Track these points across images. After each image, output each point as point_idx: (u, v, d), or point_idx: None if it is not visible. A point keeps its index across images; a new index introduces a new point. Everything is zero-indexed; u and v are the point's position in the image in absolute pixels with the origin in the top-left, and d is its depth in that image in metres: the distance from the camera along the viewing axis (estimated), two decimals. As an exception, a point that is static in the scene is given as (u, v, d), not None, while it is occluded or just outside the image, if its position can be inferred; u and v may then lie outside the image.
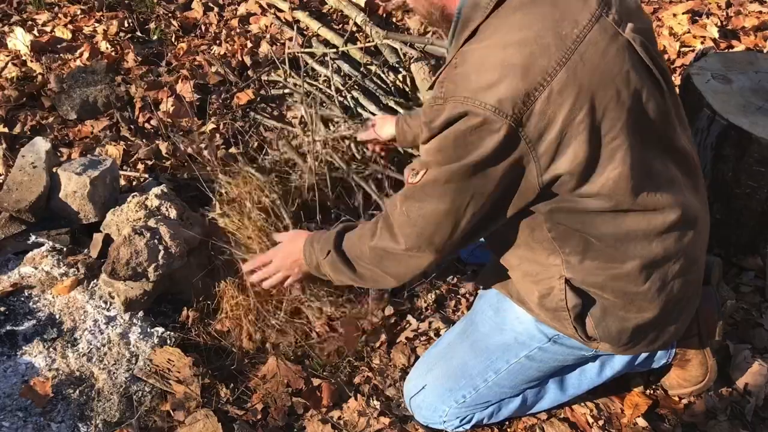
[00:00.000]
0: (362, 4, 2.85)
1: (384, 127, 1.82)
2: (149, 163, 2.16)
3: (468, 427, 1.46)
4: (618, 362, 1.45)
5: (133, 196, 1.77)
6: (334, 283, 1.43)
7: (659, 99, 1.12)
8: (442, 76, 1.10)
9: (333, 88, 2.36)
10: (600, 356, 1.44)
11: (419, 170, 1.14)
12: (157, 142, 2.25)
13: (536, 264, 1.25)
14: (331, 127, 2.29)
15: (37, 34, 2.71)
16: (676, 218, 1.16)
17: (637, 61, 1.09)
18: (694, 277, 1.28)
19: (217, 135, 2.29)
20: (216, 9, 3.03)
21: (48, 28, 2.79)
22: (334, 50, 2.54)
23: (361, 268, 1.32)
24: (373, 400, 1.55)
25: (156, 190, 1.80)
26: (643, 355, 1.46)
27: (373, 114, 2.29)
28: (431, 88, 1.17)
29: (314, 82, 2.48)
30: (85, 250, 1.76)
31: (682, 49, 2.67)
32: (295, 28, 2.75)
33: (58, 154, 2.13)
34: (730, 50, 2.61)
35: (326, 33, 2.69)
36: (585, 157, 1.05)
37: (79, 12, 2.93)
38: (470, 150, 1.05)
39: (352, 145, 2.01)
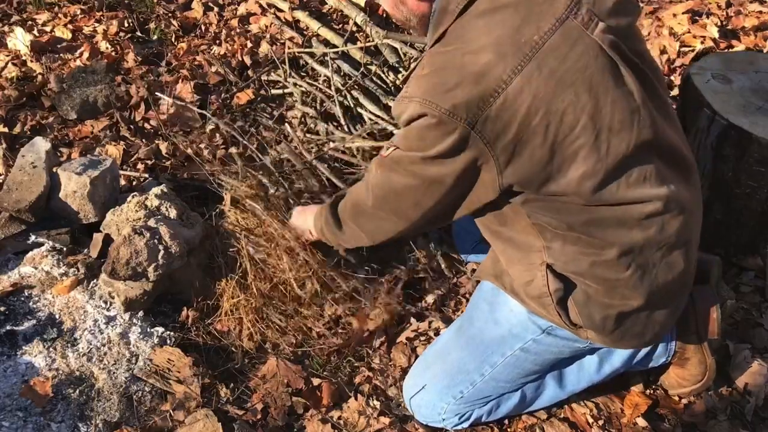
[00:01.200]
0: (362, 4, 2.85)
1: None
2: (149, 163, 2.16)
3: (467, 425, 1.46)
4: (617, 359, 1.45)
5: (133, 196, 1.77)
6: (333, 246, 1.60)
7: (630, 97, 1.12)
8: (412, 76, 1.18)
9: (333, 88, 2.36)
10: (597, 350, 1.44)
11: (391, 146, 1.24)
12: (157, 142, 2.25)
13: (519, 250, 1.29)
14: (331, 128, 2.29)
15: (37, 34, 2.71)
16: (657, 208, 1.17)
17: (605, 62, 1.10)
18: (682, 268, 1.26)
19: (217, 135, 2.29)
20: (216, 9, 3.03)
21: (48, 28, 2.79)
22: (335, 50, 2.54)
23: (345, 225, 1.46)
24: (373, 400, 1.55)
25: (156, 190, 1.80)
26: (642, 352, 1.46)
27: (373, 114, 2.29)
28: (403, 83, 1.25)
29: (314, 82, 2.48)
30: (85, 250, 1.76)
31: (682, 49, 2.67)
32: (293, 27, 2.75)
33: (58, 154, 2.13)
34: (730, 50, 2.61)
35: (326, 33, 2.69)
36: (542, 159, 1.10)
37: (79, 12, 2.93)
38: (429, 145, 1.13)
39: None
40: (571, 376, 1.49)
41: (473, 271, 1.91)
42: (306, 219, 1.65)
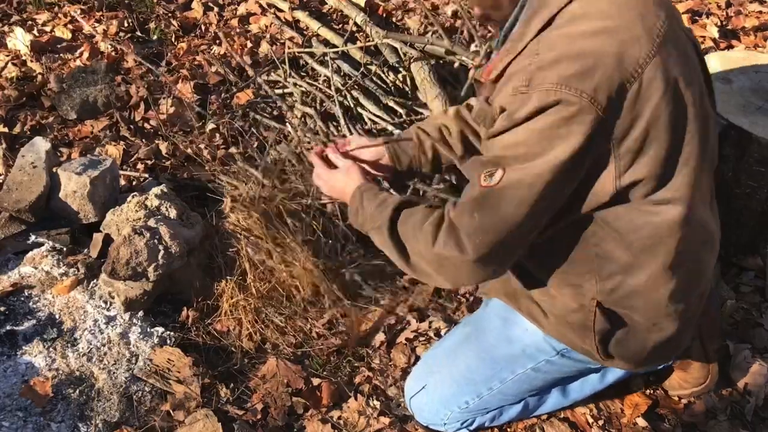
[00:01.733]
0: (362, 4, 2.85)
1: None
2: (149, 163, 2.16)
3: (469, 430, 1.46)
4: (621, 370, 1.44)
5: (133, 196, 1.77)
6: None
7: (707, 97, 1.13)
8: (518, 65, 1.03)
9: (333, 88, 2.35)
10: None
11: (494, 170, 1.02)
12: (157, 142, 2.25)
13: (569, 282, 1.21)
14: (333, 129, 2.28)
15: (37, 34, 2.71)
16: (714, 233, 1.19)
17: (699, 61, 1.10)
18: (705, 291, 1.28)
19: (217, 135, 2.29)
20: (216, 9, 3.03)
21: (48, 28, 2.79)
22: (335, 50, 2.54)
23: (415, 260, 1.17)
24: (373, 400, 1.54)
25: (156, 190, 1.80)
26: None
27: (373, 114, 2.29)
28: (497, 80, 1.10)
29: (314, 82, 2.48)
30: (85, 250, 1.76)
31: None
32: (293, 27, 2.75)
33: (58, 154, 2.13)
34: (730, 50, 2.61)
35: (326, 33, 2.69)
36: (665, 157, 1.02)
37: (79, 12, 2.92)
38: (555, 144, 0.97)
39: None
40: (574, 386, 1.49)
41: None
42: (347, 185, 1.33)
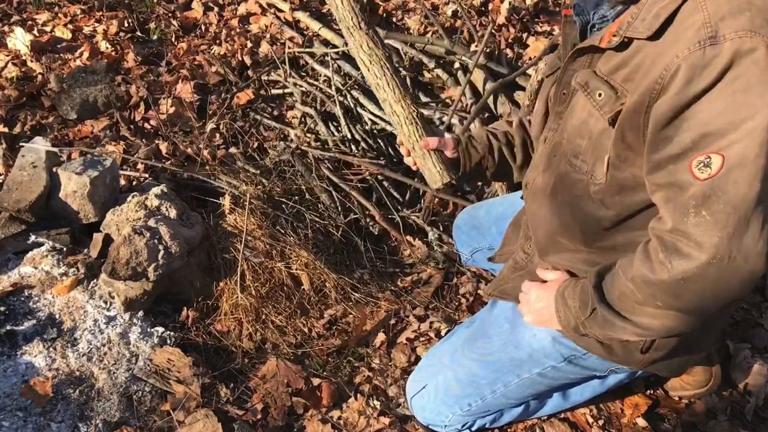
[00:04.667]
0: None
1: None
2: (149, 163, 2.16)
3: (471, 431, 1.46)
4: (622, 374, 1.42)
5: (133, 196, 1.77)
6: (604, 341, 1.18)
7: None
8: (685, 22, 0.90)
9: (333, 88, 2.36)
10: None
11: (707, 154, 0.87)
12: (157, 142, 2.25)
13: None
14: (332, 129, 2.29)
15: (37, 34, 2.71)
16: None
17: None
18: None
19: (217, 135, 2.29)
20: (216, 9, 3.03)
21: (48, 28, 2.79)
22: (335, 50, 2.54)
23: (643, 316, 1.02)
24: (373, 400, 1.54)
25: (156, 190, 1.80)
26: None
27: (373, 114, 2.29)
28: (620, 48, 0.98)
29: (314, 82, 2.48)
30: (85, 250, 1.76)
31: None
32: (294, 27, 2.75)
33: (58, 154, 2.12)
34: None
35: (326, 33, 2.69)
36: None
37: (79, 12, 2.93)
38: (764, 94, 0.84)
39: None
40: (575, 389, 1.48)
41: (473, 273, 1.91)
42: (548, 298, 1.21)
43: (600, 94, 1.03)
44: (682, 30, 0.90)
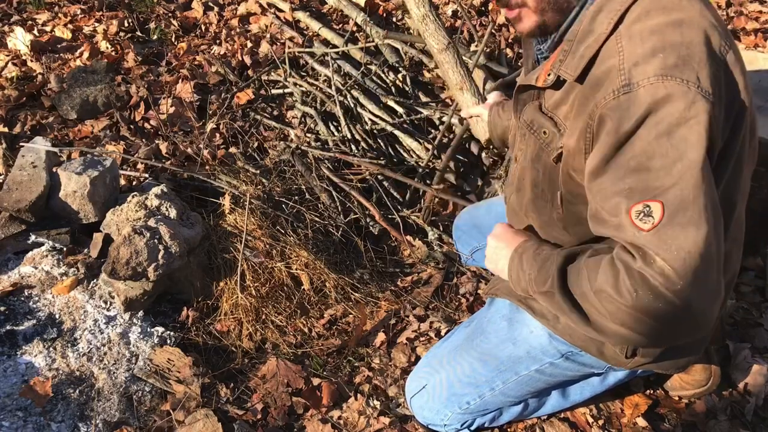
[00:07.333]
0: (362, 4, 2.85)
1: (477, 109, 1.83)
2: (149, 163, 2.16)
3: (470, 430, 1.46)
4: (621, 372, 1.43)
5: (133, 196, 1.77)
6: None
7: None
8: (601, 67, 0.92)
9: (333, 87, 2.36)
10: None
11: (645, 203, 0.87)
12: (157, 142, 2.25)
13: None
14: (333, 129, 2.28)
15: (37, 34, 2.71)
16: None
17: None
18: (731, 287, 1.29)
19: (217, 135, 2.29)
20: (216, 9, 3.03)
21: (48, 28, 2.79)
22: (335, 50, 2.54)
23: (601, 320, 0.97)
24: (373, 399, 1.54)
25: (156, 190, 1.80)
26: None
27: (373, 113, 2.29)
28: (556, 86, 1.00)
29: (314, 82, 2.48)
30: (85, 250, 1.76)
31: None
32: (294, 27, 2.75)
33: (58, 154, 2.13)
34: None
35: (326, 33, 2.69)
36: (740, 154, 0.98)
37: (79, 12, 2.93)
38: (684, 142, 0.85)
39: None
40: (574, 388, 1.48)
41: (473, 273, 1.91)
42: (503, 257, 1.23)
43: (545, 132, 1.05)
44: (601, 74, 0.92)
